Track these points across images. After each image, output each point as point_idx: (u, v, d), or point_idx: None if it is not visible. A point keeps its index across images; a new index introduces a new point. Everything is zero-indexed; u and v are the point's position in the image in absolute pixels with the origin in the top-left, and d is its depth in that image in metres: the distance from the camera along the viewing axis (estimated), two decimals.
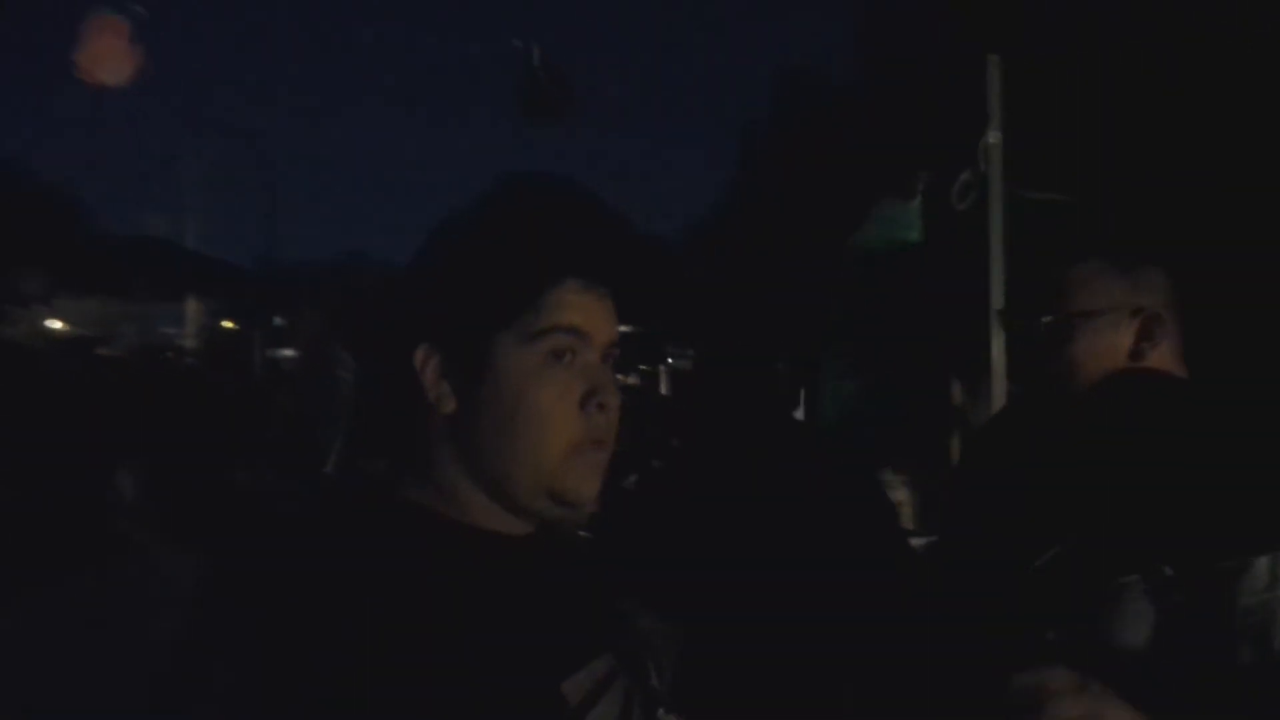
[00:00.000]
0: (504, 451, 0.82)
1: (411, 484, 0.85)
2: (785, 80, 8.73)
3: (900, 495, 2.89)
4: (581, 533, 0.98)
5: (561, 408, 0.82)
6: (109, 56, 4.66)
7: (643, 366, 7.75)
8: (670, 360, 6.97)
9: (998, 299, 2.83)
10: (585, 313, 0.84)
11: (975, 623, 1.37)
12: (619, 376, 0.92)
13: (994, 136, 2.89)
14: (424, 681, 0.72)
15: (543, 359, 0.82)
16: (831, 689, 1.64)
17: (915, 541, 2.02)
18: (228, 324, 11.96)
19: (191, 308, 11.32)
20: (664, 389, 6.96)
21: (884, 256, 2.74)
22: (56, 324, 9.65)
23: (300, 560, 0.83)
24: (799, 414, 2.25)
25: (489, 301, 0.82)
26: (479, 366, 0.82)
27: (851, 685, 1.63)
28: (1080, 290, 1.33)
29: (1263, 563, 1.13)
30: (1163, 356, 1.33)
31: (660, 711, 0.90)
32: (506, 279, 0.82)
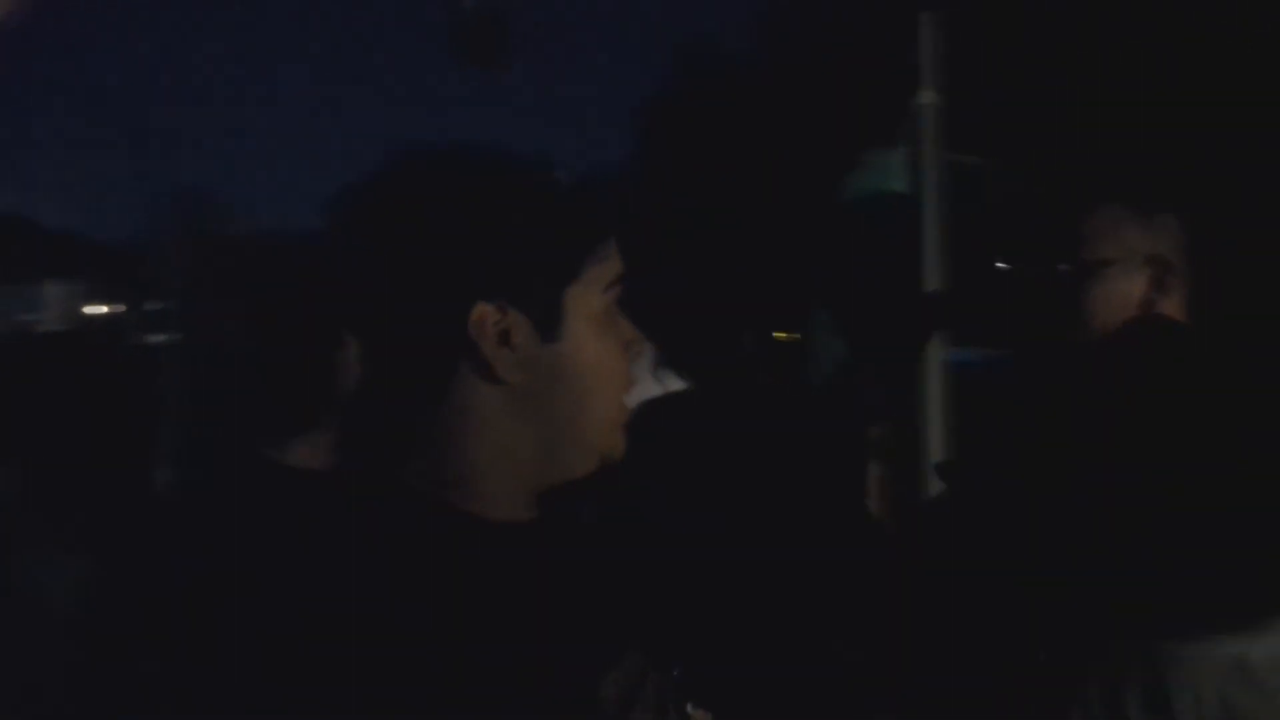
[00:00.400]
0: (577, 417, 0.76)
1: (411, 472, 0.74)
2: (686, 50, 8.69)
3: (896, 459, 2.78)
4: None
5: (624, 360, 0.79)
6: None
7: None
8: None
9: (931, 261, 2.76)
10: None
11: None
12: None
13: (928, 97, 2.81)
14: (454, 691, 0.64)
15: (607, 311, 0.77)
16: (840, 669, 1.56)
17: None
18: (97, 308, 11.22)
19: (53, 291, 10.56)
20: None
21: (873, 207, 2.62)
22: None
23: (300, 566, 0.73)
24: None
25: (562, 250, 0.75)
26: (552, 323, 0.74)
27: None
28: (1098, 238, 1.29)
29: None
30: (1174, 305, 1.29)
31: (689, 707, 0.86)
32: (577, 225, 0.76)
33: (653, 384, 1.83)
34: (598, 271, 0.76)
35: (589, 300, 0.76)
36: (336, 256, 0.78)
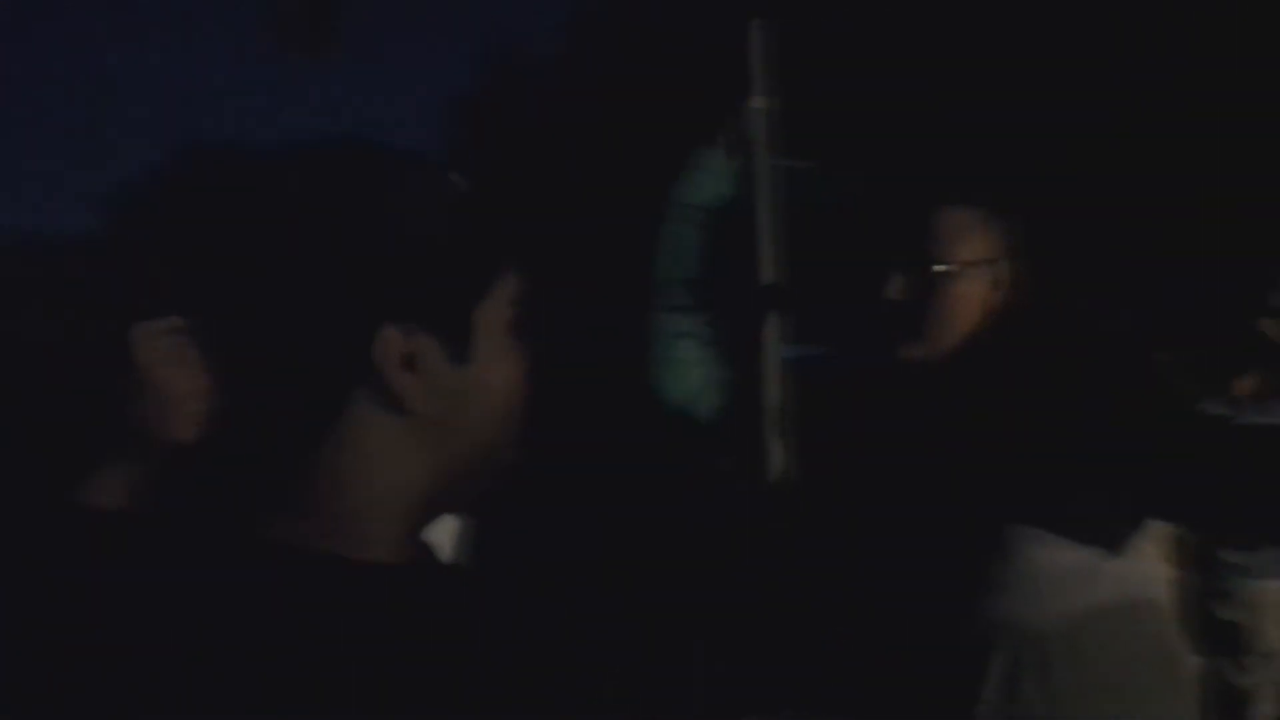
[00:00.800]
0: (482, 444, 0.71)
1: (276, 515, 0.66)
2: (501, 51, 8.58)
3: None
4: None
5: (523, 378, 0.72)
6: None
7: None
8: None
9: (765, 265, 2.81)
10: None
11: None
12: None
13: (759, 102, 2.85)
14: None
15: (509, 328, 0.71)
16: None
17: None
18: None
19: None
20: None
21: (711, 211, 2.61)
22: None
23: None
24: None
25: (474, 264, 0.68)
26: (462, 346, 0.68)
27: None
28: (957, 239, 1.32)
29: None
30: (1015, 305, 1.34)
31: None
32: (488, 235, 0.70)
33: None
34: (504, 286, 0.70)
35: (498, 318, 0.70)
36: (186, 263, 0.68)
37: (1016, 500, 1.28)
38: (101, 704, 0.62)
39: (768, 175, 2.88)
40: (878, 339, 1.40)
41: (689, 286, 2.42)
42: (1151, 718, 1.35)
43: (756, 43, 2.85)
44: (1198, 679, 1.49)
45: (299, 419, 0.65)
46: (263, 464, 0.66)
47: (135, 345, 0.90)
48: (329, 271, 0.63)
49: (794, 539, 1.55)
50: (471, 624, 0.73)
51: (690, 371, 2.24)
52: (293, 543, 0.65)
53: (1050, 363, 1.30)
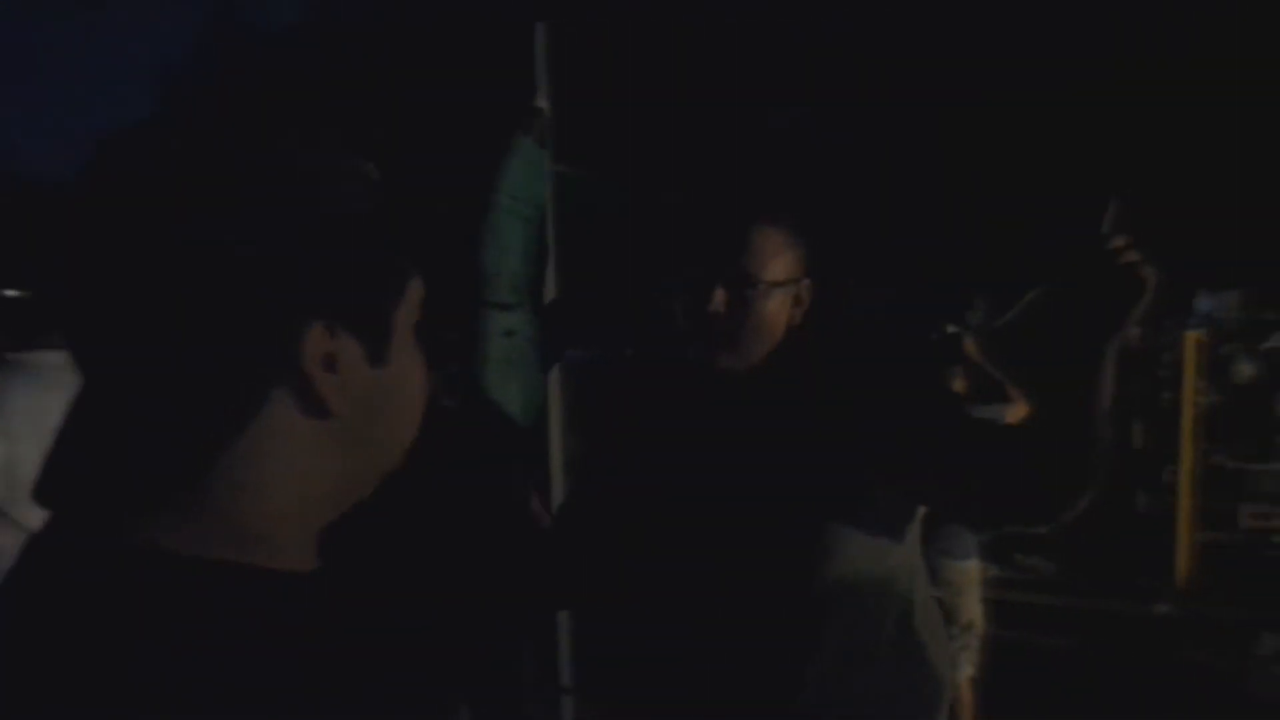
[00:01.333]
0: (390, 446, 0.70)
1: (167, 523, 0.61)
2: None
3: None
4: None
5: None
6: None
7: None
8: None
9: (550, 266, 2.84)
10: None
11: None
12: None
13: (542, 104, 2.88)
14: None
15: (415, 329, 0.70)
16: None
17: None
18: None
19: None
20: None
21: (533, 203, 2.56)
22: None
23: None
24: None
25: (391, 269, 0.67)
26: (381, 347, 0.67)
27: None
28: (773, 259, 1.40)
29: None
30: (806, 319, 1.46)
31: None
32: (390, 241, 0.68)
33: None
34: (414, 286, 0.69)
35: (408, 319, 0.69)
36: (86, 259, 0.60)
37: (819, 495, 1.39)
38: None
39: (551, 179, 2.92)
40: (674, 345, 1.45)
41: (513, 282, 2.38)
42: (939, 659, 1.57)
43: (540, 47, 2.88)
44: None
45: (207, 423, 0.60)
46: (159, 469, 0.60)
47: None
48: (256, 268, 0.59)
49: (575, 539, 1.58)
50: (390, 623, 0.71)
51: (513, 371, 2.20)
52: (195, 553, 0.59)
53: (837, 370, 1.43)
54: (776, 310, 1.43)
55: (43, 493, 0.66)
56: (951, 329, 4.30)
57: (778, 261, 1.43)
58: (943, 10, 8.59)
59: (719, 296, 1.41)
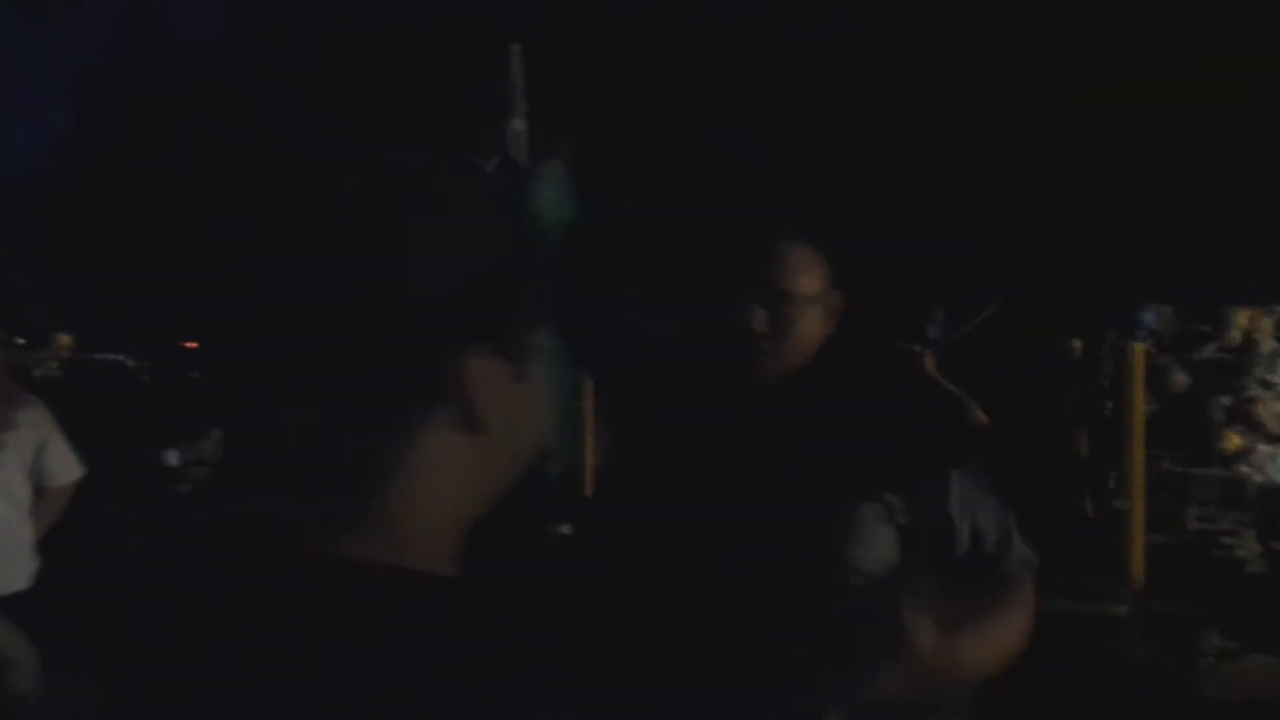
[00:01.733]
0: (522, 458, 0.74)
1: (348, 533, 0.66)
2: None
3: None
4: None
5: None
6: None
7: None
8: None
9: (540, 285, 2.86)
10: None
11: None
12: None
13: (519, 124, 2.91)
14: None
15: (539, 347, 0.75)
16: None
17: None
18: None
19: None
20: None
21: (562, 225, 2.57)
22: None
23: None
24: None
25: (528, 291, 0.72)
26: (524, 365, 0.72)
27: None
28: (807, 273, 1.45)
29: (952, 485, 1.40)
30: (834, 330, 1.50)
31: None
32: (528, 264, 0.72)
33: None
34: (540, 306, 0.75)
35: (536, 338, 0.74)
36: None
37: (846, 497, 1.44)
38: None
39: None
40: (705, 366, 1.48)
41: (543, 302, 2.37)
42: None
43: (515, 67, 2.91)
44: None
45: (385, 441, 0.65)
46: (339, 483, 0.64)
47: None
48: (422, 296, 0.64)
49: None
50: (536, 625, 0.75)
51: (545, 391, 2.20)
52: (360, 561, 0.64)
53: (867, 378, 1.49)
54: (814, 323, 1.48)
55: (231, 507, 0.69)
56: (916, 348, 4.41)
57: (811, 275, 1.47)
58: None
59: (761, 315, 1.44)
